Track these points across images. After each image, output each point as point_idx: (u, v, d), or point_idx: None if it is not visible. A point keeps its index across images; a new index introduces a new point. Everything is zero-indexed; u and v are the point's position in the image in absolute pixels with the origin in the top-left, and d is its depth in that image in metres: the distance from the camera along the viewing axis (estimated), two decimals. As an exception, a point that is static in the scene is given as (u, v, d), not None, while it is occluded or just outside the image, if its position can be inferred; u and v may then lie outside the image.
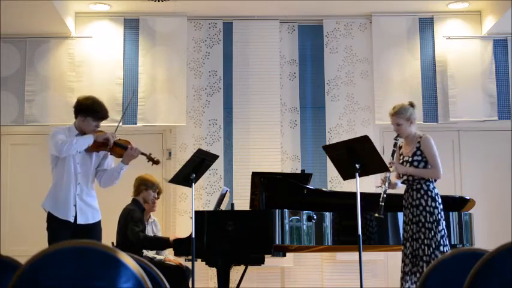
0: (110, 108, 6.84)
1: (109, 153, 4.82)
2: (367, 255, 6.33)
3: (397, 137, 4.84)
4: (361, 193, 4.68)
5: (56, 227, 4.60)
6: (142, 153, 4.84)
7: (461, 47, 7.10)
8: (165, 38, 7.09)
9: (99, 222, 4.75)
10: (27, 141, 7.12)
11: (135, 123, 6.97)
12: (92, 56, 7.02)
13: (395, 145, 4.85)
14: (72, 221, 4.58)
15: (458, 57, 7.08)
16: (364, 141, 4.72)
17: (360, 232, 4.61)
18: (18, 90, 6.97)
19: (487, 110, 7.02)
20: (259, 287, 6.83)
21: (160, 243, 5.51)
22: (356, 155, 4.68)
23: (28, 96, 6.94)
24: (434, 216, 4.62)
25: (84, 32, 7.08)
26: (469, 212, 5.60)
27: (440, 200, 4.73)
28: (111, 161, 4.89)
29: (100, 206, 4.79)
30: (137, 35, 7.11)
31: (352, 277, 6.40)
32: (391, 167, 4.72)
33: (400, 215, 5.36)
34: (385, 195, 4.70)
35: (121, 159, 4.80)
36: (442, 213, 4.70)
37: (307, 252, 6.33)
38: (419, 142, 4.76)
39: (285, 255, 5.85)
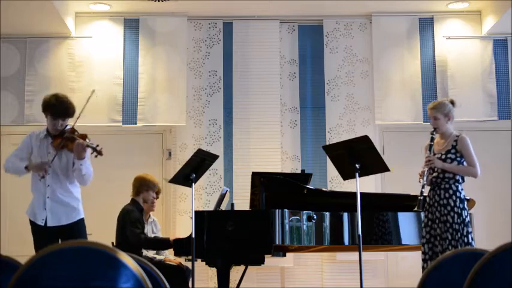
0: (109, 108, 6.95)
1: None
2: (367, 255, 6.33)
3: (433, 131, 4.74)
4: (361, 193, 4.68)
5: (34, 231, 4.55)
6: (88, 145, 4.46)
7: (461, 47, 7.10)
8: (165, 38, 7.09)
9: (77, 223, 4.57)
10: (27, 141, 7.09)
11: (135, 123, 6.97)
12: (92, 56, 7.02)
13: (432, 140, 4.74)
14: (43, 224, 4.48)
15: (458, 57, 7.07)
16: (364, 141, 4.72)
17: (359, 232, 4.61)
18: (18, 90, 6.97)
19: (487, 110, 7.02)
20: (259, 287, 6.83)
21: (161, 244, 5.52)
22: (356, 155, 4.68)
23: (28, 96, 6.94)
24: (462, 218, 4.57)
25: (84, 32, 7.08)
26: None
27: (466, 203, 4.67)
28: None
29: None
30: (137, 35, 7.11)
31: (352, 277, 6.40)
32: (429, 161, 4.64)
33: (400, 215, 5.36)
34: (423, 190, 4.61)
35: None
36: (469, 216, 4.65)
37: (307, 252, 6.33)
38: (455, 141, 4.71)
39: (285, 255, 5.86)
